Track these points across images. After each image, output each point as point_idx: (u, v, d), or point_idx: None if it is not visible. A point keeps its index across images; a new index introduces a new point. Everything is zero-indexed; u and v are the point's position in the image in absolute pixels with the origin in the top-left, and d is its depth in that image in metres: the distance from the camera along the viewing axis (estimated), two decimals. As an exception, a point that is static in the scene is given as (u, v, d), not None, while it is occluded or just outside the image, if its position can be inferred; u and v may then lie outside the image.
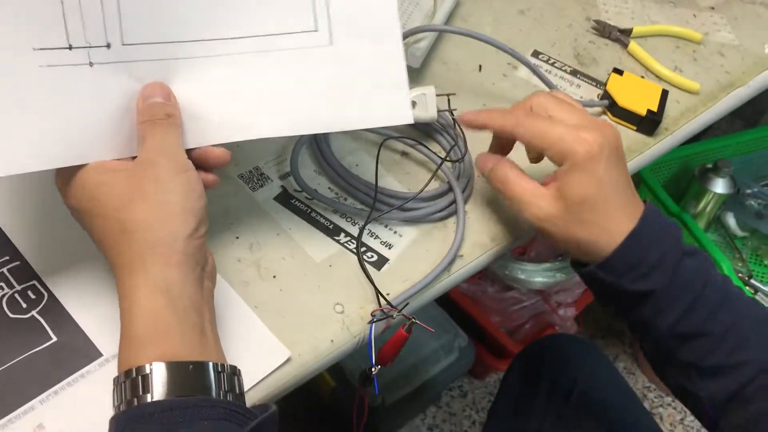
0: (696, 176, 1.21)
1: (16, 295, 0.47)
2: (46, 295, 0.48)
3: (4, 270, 0.48)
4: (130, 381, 0.38)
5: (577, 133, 0.49)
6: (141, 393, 0.38)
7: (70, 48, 0.43)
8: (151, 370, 0.38)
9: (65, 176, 0.44)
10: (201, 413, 0.38)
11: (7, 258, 0.49)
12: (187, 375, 0.39)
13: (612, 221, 0.50)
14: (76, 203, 0.44)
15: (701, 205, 1.21)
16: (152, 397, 0.38)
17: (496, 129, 0.55)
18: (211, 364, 0.40)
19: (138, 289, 0.40)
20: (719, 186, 1.20)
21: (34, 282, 0.48)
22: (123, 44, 0.45)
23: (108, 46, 0.44)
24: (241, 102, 0.48)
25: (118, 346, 0.41)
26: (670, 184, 1.29)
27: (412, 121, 0.51)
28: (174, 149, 0.44)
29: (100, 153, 0.44)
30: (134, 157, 0.45)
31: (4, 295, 0.47)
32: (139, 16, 0.45)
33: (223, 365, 0.41)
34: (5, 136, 0.42)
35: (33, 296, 0.47)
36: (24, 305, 0.47)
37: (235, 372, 0.42)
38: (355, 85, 0.49)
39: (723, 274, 0.51)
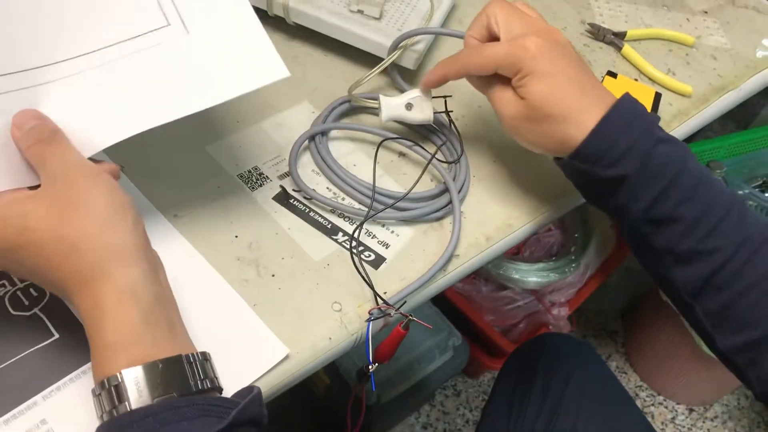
0: (688, 177, 1.22)
1: (18, 293, 0.48)
2: (47, 292, 0.48)
3: (7, 268, 0.49)
4: (106, 392, 0.39)
5: (519, 43, 0.52)
6: (118, 402, 0.38)
7: None
8: (122, 378, 0.38)
9: None
10: (179, 414, 0.38)
11: (10, 256, 0.49)
12: (160, 374, 0.39)
13: (579, 111, 0.52)
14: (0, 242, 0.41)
15: (693, 206, 1.23)
16: (130, 405, 0.38)
17: (453, 77, 0.59)
18: (183, 356, 0.40)
19: (104, 298, 0.40)
20: (711, 187, 1.21)
21: (36, 279, 0.49)
22: None
23: None
24: (117, 105, 0.48)
25: (91, 357, 0.41)
26: (663, 185, 1.30)
27: (287, 74, 0.51)
28: (78, 158, 0.44)
29: None
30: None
31: (6, 293, 0.48)
32: None
33: (193, 354, 0.41)
34: None
35: (35, 294, 0.48)
36: (26, 303, 0.48)
37: (206, 357, 0.43)
38: (223, 58, 0.50)
39: (703, 164, 0.53)
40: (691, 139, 1.43)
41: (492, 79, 0.56)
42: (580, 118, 0.52)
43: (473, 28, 0.58)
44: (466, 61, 0.56)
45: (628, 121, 0.51)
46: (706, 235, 0.51)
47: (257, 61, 0.51)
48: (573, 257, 1.33)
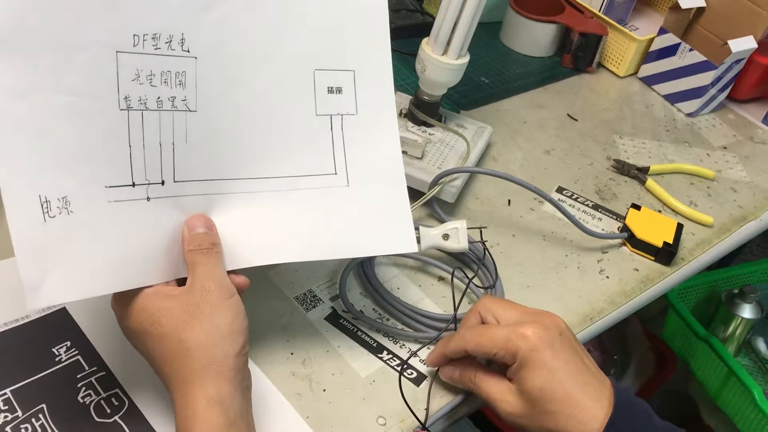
0: (723, 301, 1.25)
1: (102, 402, 0.54)
2: (127, 402, 0.54)
3: (93, 379, 0.55)
4: None
5: (518, 331, 0.52)
6: None
7: (133, 185, 0.50)
8: None
9: (123, 300, 0.50)
10: None
11: (95, 369, 0.56)
12: None
13: (577, 406, 0.51)
14: (136, 325, 0.49)
15: (730, 329, 1.24)
16: None
17: (453, 355, 0.57)
18: None
19: (196, 402, 0.46)
20: (747, 311, 1.23)
21: (117, 390, 0.55)
22: (174, 181, 0.52)
23: (162, 183, 0.51)
24: (271, 231, 0.55)
25: None
26: (698, 308, 1.33)
27: (416, 251, 0.60)
28: (221, 276, 0.51)
29: (153, 277, 0.50)
30: (180, 280, 0.52)
31: (92, 402, 0.54)
32: (189, 159, 0.52)
33: None
34: (77, 265, 0.47)
35: (116, 403, 0.54)
36: (108, 411, 0.53)
37: None
38: (367, 220, 0.58)
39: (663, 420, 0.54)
40: (727, 262, 1.46)
41: (484, 372, 0.56)
42: (578, 414, 0.51)
43: (468, 322, 0.58)
44: (465, 341, 0.55)
45: (631, 417, 0.52)
46: None
47: (395, 233, 0.59)
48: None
